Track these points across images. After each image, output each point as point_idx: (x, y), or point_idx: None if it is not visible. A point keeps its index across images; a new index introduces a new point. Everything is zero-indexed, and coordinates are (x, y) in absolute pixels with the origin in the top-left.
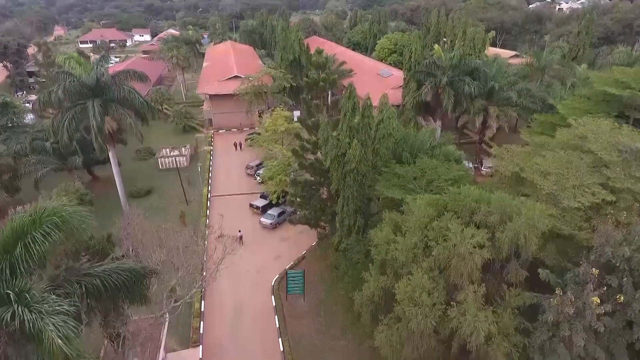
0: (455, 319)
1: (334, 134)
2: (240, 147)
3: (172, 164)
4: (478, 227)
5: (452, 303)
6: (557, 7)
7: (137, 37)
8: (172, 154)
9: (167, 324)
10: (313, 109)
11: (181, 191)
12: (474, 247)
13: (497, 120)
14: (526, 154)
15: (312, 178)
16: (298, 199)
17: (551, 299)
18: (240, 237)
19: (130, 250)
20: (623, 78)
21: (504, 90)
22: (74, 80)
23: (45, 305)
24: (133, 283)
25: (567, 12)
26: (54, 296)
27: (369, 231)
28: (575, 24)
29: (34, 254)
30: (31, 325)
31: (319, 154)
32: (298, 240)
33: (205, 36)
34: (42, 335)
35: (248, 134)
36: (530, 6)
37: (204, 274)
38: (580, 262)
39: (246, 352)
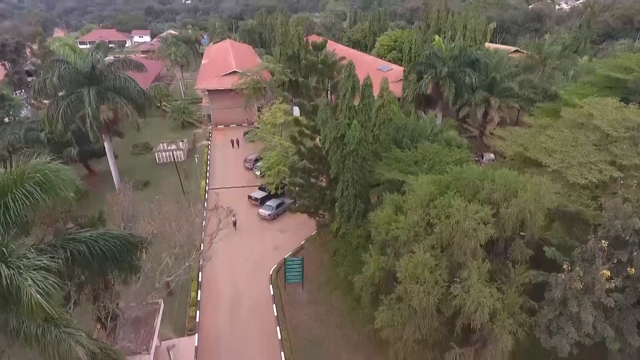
0: (459, 296)
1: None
2: (237, 145)
3: (170, 158)
4: (482, 205)
5: (455, 279)
6: (557, 6)
7: (136, 38)
8: (169, 148)
9: (161, 310)
10: (312, 92)
11: (178, 184)
12: (478, 223)
13: (499, 112)
14: (530, 134)
15: (311, 165)
16: (297, 188)
17: (559, 275)
18: (234, 222)
19: (122, 227)
20: (627, 63)
21: (505, 81)
22: (68, 68)
23: (24, 259)
24: (122, 251)
25: (567, 10)
26: (33, 251)
27: (370, 214)
28: (576, 20)
29: (15, 214)
30: (9, 281)
31: (317, 140)
32: (297, 231)
33: (205, 37)
34: (20, 293)
35: (246, 130)
36: (529, 7)
37: (202, 244)
38: (588, 238)
39: (243, 341)
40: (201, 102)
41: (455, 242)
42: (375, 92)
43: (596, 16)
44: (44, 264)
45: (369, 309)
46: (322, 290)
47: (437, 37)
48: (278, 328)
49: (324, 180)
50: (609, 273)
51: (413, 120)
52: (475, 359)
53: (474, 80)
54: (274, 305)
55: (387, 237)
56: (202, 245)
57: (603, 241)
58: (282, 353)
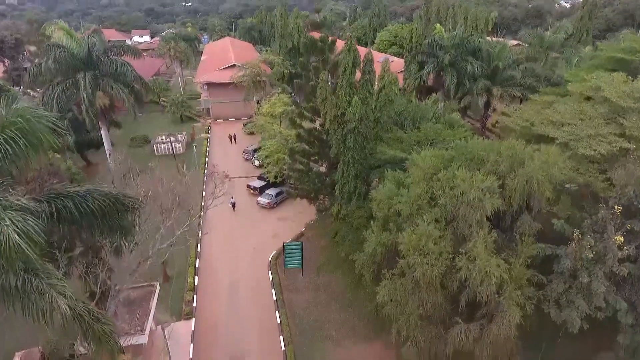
0: (464, 267)
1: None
2: (235, 140)
3: (168, 150)
4: (487, 176)
5: (460, 250)
6: (557, 5)
7: (136, 38)
8: (167, 140)
9: (157, 292)
10: (311, 72)
11: (176, 174)
12: (484, 193)
13: (501, 101)
14: (535, 111)
15: (310, 149)
16: (296, 174)
17: (569, 243)
18: (233, 205)
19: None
20: (632, 45)
21: (508, 70)
22: (64, 52)
23: (2, 199)
24: (112, 211)
25: (568, 7)
26: (11, 190)
27: (371, 192)
28: (578, 12)
29: None
30: None
31: (317, 123)
32: (297, 219)
33: (205, 36)
34: None
35: (245, 122)
36: (529, 5)
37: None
38: (599, 207)
39: (242, 325)
40: (200, 98)
41: (460, 214)
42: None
43: (597, 7)
44: (23, 204)
45: (370, 287)
46: (322, 276)
47: (438, 25)
48: (277, 312)
49: (323, 165)
50: (622, 239)
51: (414, 104)
52: (481, 335)
53: (476, 68)
54: (273, 291)
55: (389, 212)
56: (200, 211)
57: (616, 206)
58: (281, 337)
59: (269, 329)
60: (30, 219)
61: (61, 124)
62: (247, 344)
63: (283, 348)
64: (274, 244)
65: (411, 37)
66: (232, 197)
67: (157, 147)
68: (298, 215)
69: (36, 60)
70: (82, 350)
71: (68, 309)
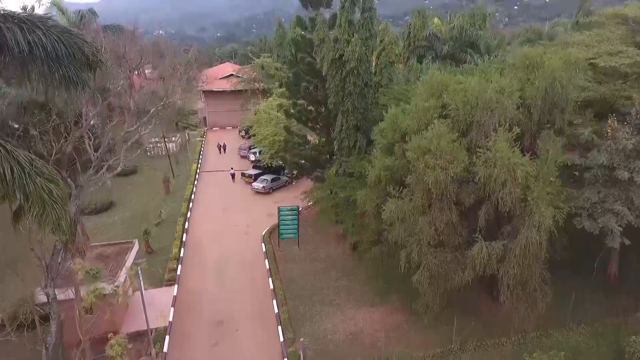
0: (483, 166)
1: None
2: (225, 150)
3: (161, 152)
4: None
5: (478, 150)
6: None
7: None
8: (161, 141)
9: (134, 249)
10: (307, 28)
11: (168, 168)
12: (502, 93)
13: None
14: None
15: (307, 114)
16: (291, 145)
17: (604, 130)
18: (233, 175)
19: None
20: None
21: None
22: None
23: None
24: (69, 56)
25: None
26: None
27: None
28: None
29: None
30: None
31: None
32: (293, 202)
33: None
34: None
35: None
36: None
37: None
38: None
39: (230, 292)
40: (196, 114)
41: (475, 122)
42: None
43: (592, 12)
44: None
45: (373, 224)
46: (320, 247)
47: (436, 19)
48: (270, 279)
49: (320, 131)
50: None
51: (416, 68)
52: (504, 254)
53: (475, 60)
54: (266, 261)
55: (394, 138)
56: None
57: None
58: (274, 301)
59: (261, 295)
60: None
61: None
62: (236, 309)
63: (276, 311)
64: (268, 222)
65: (409, 33)
66: (232, 168)
67: (149, 148)
68: (294, 200)
69: None
70: (42, 298)
71: None
